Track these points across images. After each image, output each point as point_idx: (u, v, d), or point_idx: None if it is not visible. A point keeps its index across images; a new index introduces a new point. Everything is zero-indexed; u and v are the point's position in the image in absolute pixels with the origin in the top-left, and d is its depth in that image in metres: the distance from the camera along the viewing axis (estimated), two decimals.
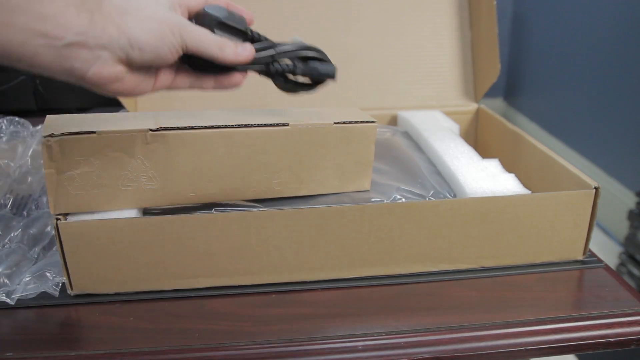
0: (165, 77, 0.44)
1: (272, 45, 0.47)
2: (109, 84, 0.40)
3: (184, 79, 0.46)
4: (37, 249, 0.52)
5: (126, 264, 0.47)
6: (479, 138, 0.75)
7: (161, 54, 0.41)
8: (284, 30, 0.75)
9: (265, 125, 0.48)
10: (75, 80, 0.39)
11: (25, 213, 0.58)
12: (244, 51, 0.45)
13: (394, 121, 0.76)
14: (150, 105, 0.73)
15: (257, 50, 0.46)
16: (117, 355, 0.42)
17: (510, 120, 2.43)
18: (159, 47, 0.40)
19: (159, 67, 0.43)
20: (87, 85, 0.40)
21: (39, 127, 0.76)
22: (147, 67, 0.42)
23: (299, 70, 0.47)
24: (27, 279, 0.48)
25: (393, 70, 0.76)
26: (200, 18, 0.44)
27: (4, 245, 0.52)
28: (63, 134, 0.43)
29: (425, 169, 0.58)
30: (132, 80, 0.41)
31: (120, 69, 0.40)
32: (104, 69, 0.39)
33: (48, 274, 0.48)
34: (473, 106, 0.77)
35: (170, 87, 0.45)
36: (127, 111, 0.71)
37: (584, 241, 0.52)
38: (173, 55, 0.41)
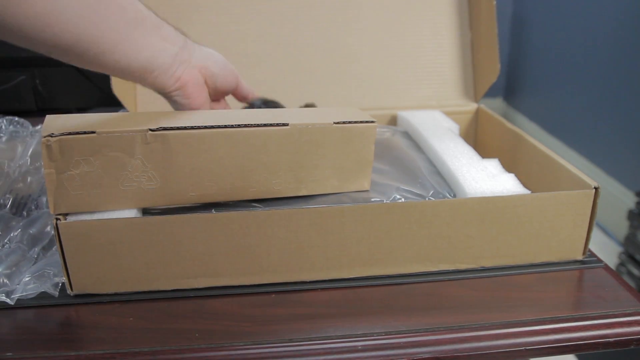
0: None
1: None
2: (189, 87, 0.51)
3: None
4: (36, 249, 0.52)
5: (126, 264, 0.47)
6: (479, 138, 0.75)
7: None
8: (284, 30, 0.75)
9: (265, 125, 0.48)
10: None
11: (24, 213, 0.58)
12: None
13: (393, 121, 0.76)
14: (150, 106, 0.73)
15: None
16: (117, 355, 0.42)
17: (510, 120, 2.43)
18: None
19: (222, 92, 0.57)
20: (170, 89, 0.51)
21: (39, 127, 0.76)
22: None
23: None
24: (27, 279, 0.48)
25: (393, 70, 0.76)
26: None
27: (3, 245, 0.52)
28: (62, 134, 0.43)
29: (425, 169, 0.58)
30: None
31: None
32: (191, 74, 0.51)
33: (48, 274, 0.48)
34: (473, 106, 0.77)
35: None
36: (127, 111, 0.71)
37: (583, 241, 0.52)
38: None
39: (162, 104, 0.66)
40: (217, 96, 0.58)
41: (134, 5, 0.46)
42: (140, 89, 0.73)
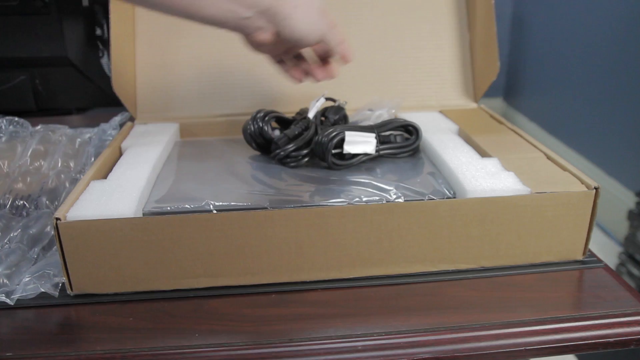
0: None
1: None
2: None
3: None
4: (36, 249, 0.52)
5: (126, 264, 0.47)
6: (479, 138, 0.75)
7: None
8: None
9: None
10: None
11: (24, 213, 0.58)
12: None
13: None
14: (151, 106, 0.73)
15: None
16: (117, 355, 0.42)
17: (510, 120, 2.43)
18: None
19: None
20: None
21: (39, 127, 0.76)
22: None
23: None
24: (27, 279, 0.48)
25: (392, 70, 0.76)
26: None
27: (3, 246, 0.52)
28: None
29: (424, 167, 0.58)
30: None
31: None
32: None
33: (48, 274, 0.48)
34: (472, 106, 0.77)
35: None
36: (127, 111, 0.71)
37: (583, 241, 0.52)
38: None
39: (163, 103, 0.66)
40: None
41: None
42: (140, 88, 0.73)
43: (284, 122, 0.62)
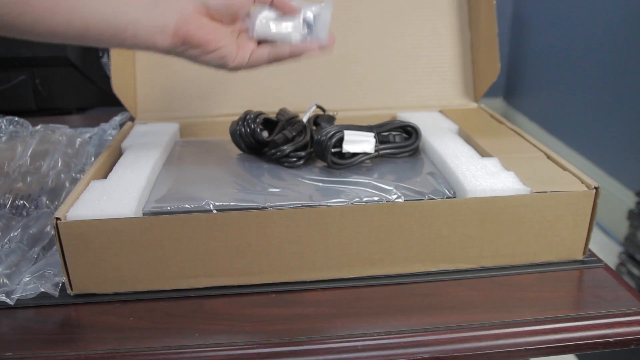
0: (247, 42, 0.53)
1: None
2: (196, 34, 0.48)
3: (262, 49, 0.53)
4: (36, 249, 0.52)
5: (126, 264, 0.47)
6: (479, 138, 0.75)
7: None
8: None
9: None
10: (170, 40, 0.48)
11: (24, 213, 0.58)
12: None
13: None
14: (151, 106, 0.73)
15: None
16: (117, 355, 0.42)
17: (510, 120, 2.43)
18: None
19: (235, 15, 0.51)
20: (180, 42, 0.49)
21: (39, 127, 0.76)
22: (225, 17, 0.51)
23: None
24: (27, 279, 0.48)
25: (393, 70, 0.76)
26: None
27: (3, 246, 0.52)
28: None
29: (424, 167, 0.58)
30: (214, 29, 0.50)
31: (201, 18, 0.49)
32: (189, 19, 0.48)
33: (48, 274, 0.48)
34: (473, 106, 0.77)
35: (252, 60, 0.53)
36: (127, 111, 0.71)
37: (583, 241, 0.52)
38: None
39: (163, 103, 0.66)
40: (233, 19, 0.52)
41: None
42: (140, 88, 0.73)
43: (269, 124, 0.62)
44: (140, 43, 0.47)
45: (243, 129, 0.60)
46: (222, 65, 0.52)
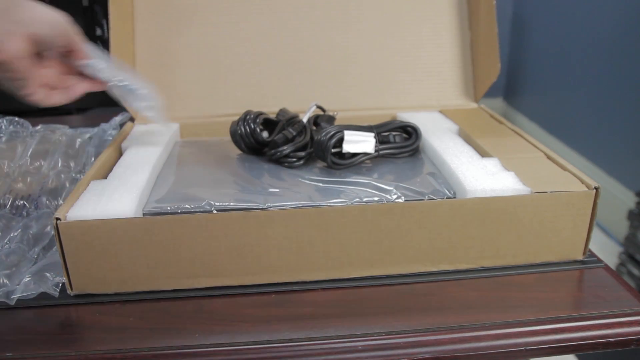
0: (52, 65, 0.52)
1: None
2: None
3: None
4: (36, 249, 0.52)
5: (126, 264, 0.47)
6: (479, 138, 0.75)
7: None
8: (284, 30, 0.75)
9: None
10: None
11: (24, 213, 0.58)
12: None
13: None
14: None
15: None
16: (117, 355, 0.42)
17: (510, 120, 2.43)
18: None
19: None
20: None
21: (39, 127, 0.76)
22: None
23: None
24: (27, 279, 0.48)
25: (392, 70, 0.76)
26: None
27: (3, 246, 0.52)
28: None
29: (424, 167, 0.58)
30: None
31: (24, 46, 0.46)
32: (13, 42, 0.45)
33: (48, 274, 0.48)
34: (473, 106, 0.77)
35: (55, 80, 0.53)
36: (127, 111, 0.71)
37: (584, 241, 0.52)
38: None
39: (164, 104, 0.66)
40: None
41: None
42: None
43: (269, 124, 0.62)
44: None
45: (243, 129, 0.60)
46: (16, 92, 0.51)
